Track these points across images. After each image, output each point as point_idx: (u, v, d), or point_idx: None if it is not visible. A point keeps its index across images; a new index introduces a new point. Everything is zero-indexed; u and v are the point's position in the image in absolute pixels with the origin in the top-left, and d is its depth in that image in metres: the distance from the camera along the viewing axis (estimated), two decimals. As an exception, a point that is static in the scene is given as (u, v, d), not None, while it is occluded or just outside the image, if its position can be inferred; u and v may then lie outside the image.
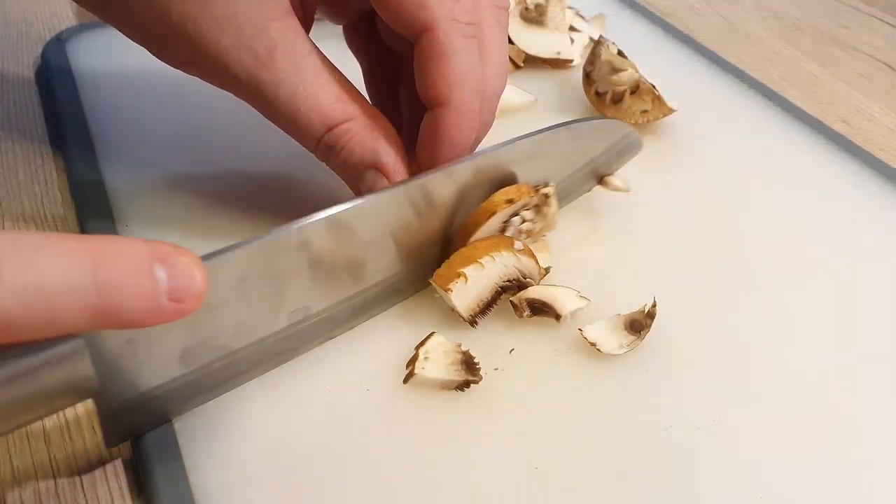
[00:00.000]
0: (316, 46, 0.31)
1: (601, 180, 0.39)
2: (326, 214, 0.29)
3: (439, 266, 0.32)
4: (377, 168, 0.32)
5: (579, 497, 0.27)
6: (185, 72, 0.33)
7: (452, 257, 0.32)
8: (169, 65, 0.33)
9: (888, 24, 0.62)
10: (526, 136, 0.34)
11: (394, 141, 0.32)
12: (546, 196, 0.35)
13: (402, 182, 0.31)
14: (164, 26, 0.30)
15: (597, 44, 0.45)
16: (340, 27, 0.38)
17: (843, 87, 0.54)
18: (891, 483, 0.28)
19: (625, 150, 0.39)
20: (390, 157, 0.31)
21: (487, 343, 0.31)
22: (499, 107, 0.47)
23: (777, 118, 0.47)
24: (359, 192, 0.33)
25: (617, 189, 0.39)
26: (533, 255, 0.34)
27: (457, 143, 0.31)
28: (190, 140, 0.42)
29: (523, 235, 0.35)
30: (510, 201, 0.33)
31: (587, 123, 0.37)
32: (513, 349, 0.32)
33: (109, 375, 0.25)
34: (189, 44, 0.30)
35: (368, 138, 0.31)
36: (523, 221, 0.35)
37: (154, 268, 0.21)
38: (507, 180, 0.34)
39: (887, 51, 0.58)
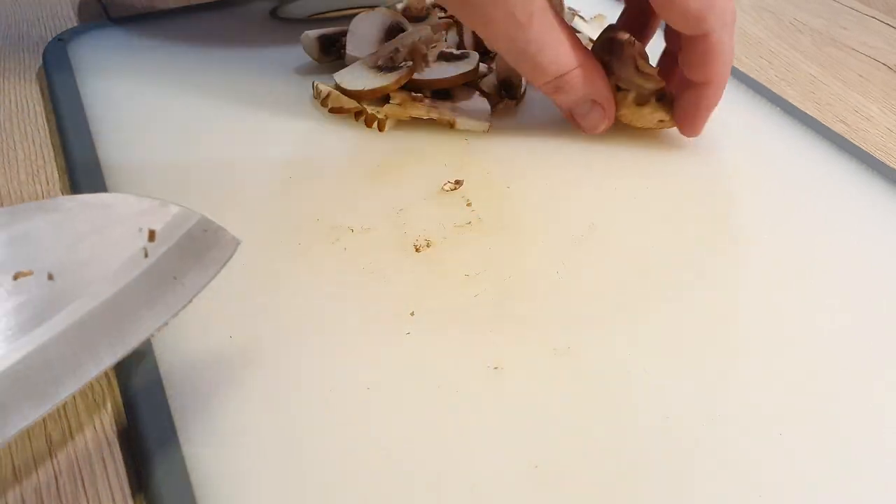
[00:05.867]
0: (562, 19, 0.41)
1: None
2: None
3: None
4: (593, 103, 0.42)
5: (579, 496, 0.27)
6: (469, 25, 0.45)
7: None
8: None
9: (887, 24, 0.62)
10: None
11: (605, 83, 0.42)
12: None
13: None
14: None
15: (619, 38, 0.43)
16: None
17: (842, 87, 0.54)
18: (891, 483, 0.28)
19: None
20: (603, 96, 0.42)
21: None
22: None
23: (776, 118, 0.48)
24: (576, 122, 0.44)
25: None
26: None
27: (713, 109, 0.43)
28: (192, 141, 0.42)
29: None
30: None
31: None
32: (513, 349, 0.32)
33: None
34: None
35: (588, 81, 0.41)
36: None
37: None
38: None
39: (886, 51, 0.58)
